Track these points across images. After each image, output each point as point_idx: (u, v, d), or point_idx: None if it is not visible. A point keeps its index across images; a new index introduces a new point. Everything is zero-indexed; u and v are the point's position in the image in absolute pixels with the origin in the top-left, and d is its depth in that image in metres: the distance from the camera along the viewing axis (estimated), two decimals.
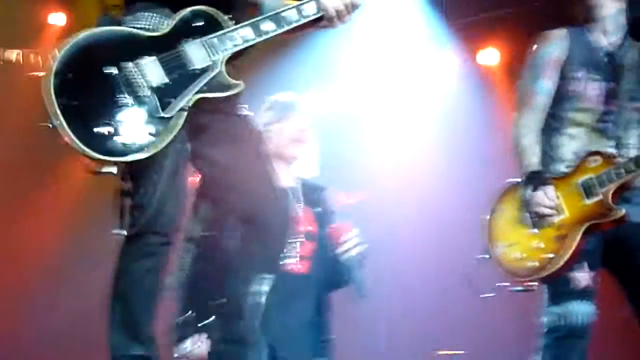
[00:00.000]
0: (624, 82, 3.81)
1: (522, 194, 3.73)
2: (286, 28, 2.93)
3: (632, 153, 3.74)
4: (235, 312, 3.10)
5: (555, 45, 3.82)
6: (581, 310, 3.62)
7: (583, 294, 3.64)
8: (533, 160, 3.71)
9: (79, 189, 6.67)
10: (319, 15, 2.95)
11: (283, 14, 2.92)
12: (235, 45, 2.86)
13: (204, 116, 2.90)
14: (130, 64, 2.75)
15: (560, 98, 3.80)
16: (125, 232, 2.84)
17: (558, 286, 3.65)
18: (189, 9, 2.85)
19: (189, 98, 2.77)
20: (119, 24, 2.86)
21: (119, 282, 2.90)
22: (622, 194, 3.68)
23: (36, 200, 7.46)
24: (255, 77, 3.51)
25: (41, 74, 2.73)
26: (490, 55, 7.70)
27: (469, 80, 7.64)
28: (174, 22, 2.84)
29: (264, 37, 2.90)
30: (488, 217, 3.88)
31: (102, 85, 2.74)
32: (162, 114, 2.73)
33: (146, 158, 2.75)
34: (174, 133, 2.74)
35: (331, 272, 3.98)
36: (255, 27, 2.89)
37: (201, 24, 2.87)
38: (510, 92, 7.34)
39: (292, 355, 3.80)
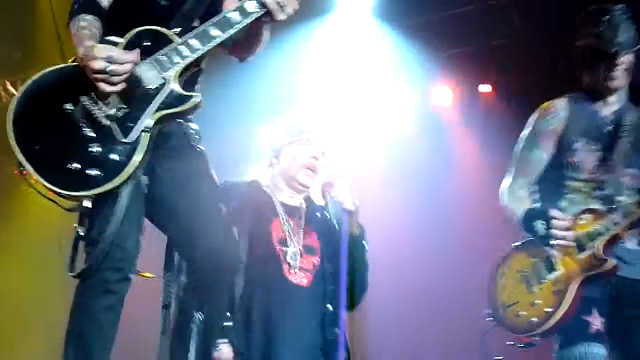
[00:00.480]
0: (621, 148, 3.91)
1: (530, 230, 3.78)
2: (233, 31, 2.93)
3: (621, 210, 3.84)
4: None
5: (554, 116, 3.91)
6: (594, 353, 3.67)
7: (595, 338, 3.68)
8: (525, 205, 3.81)
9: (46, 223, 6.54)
10: (262, 11, 2.95)
11: (228, 16, 2.93)
12: (185, 58, 2.88)
13: (159, 150, 2.89)
14: (85, 97, 2.77)
15: (561, 166, 3.88)
16: (73, 274, 2.79)
17: (571, 331, 3.70)
18: (133, 31, 2.87)
19: (149, 119, 2.78)
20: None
21: (75, 320, 2.84)
22: (613, 247, 3.76)
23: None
24: (213, 98, 3.50)
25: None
26: (444, 94, 7.85)
27: (424, 118, 7.73)
28: (121, 48, 2.87)
29: (213, 43, 2.90)
30: (490, 280, 3.95)
31: (62, 123, 2.76)
32: (125, 140, 2.74)
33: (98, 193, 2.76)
34: (142, 155, 2.75)
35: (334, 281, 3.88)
36: (202, 37, 2.91)
37: (148, 43, 2.88)
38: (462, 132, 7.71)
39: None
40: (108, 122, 2.75)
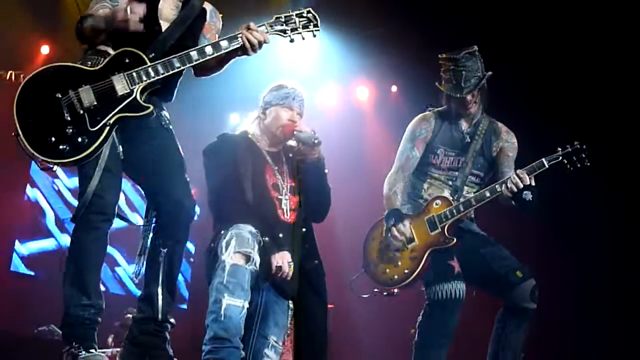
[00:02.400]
0: (471, 153, 4.32)
1: (385, 226, 4.21)
2: (190, 64, 3.26)
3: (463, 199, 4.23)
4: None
5: (424, 127, 4.35)
6: (457, 288, 4.08)
7: (457, 277, 4.11)
8: (396, 203, 4.23)
9: None
10: (233, 47, 3.29)
11: (190, 53, 3.26)
12: (149, 78, 3.20)
13: (133, 129, 3.25)
14: (71, 91, 3.14)
15: (427, 162, 4.34)
16: (70, 217, 3.20)
17: (440, 272, 4.12)
18: (119, 50, 3.23)
19: (110, 116, 3.14)
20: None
21: (71, 249, 3.21)
22: (457, 226, 4.22)
23: None
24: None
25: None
26: (362, 92, 8.60)
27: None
28: (106, 60, 3.23)
29: (173, 70, 3.23)
30: (364, 242, 4.39)
31: (51, 106, 3.13)
32: (90, 129, 3.12)
33: (84, 160, 3.12)
34: (99, 142, 3.12)
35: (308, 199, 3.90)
36: (166, 64, 3.23)
37: (127, 60, 3.22)
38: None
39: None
40: (82, 112, 3.13)
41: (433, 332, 4.07)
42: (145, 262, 3.37)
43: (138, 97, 3.19)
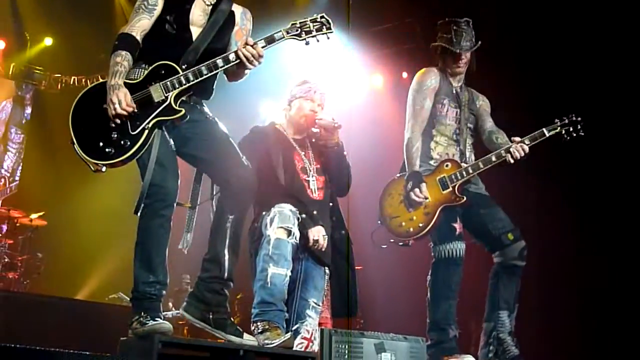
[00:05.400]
0: (464, 104, 4.46)
1: (405, 185, 4.24)
2: (218, 71, 3.35)
3: (470, 162, 4.32)
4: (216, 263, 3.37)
5: (433, 78, 4.41)
6: (457, 248, 4.21)
7: (458, 237, 4.24)
8: (417, 163, 4.25)
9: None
10: (236, 62, 3.33)
11: (216, 61, 3.33)
12: (181, 85, 3.29)
13: (183, 124, 3.34)
14: None
15: (434, 114, 4.38)
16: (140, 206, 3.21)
17: (444, 233, 4.22)
18: (155, 64, 3.31)
19: (148, 121, 3.24)
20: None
21: (139, 234, 3.27)
22: (465, 185, 4.28)
23: None
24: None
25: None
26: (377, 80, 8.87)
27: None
28: (145, 72, 3.32)
29: (202, 77, 3.31)
30: (380, 198, 4.42)
31: (99, 116, 3.23)
32: (132, 132, 3.22)
33: (140, 156, 3.22)
34: (140, 143, 3.21)
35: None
36: (195, 73, 3.31)
37: (162, 72, 3.31)
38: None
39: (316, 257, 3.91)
40: (124, 119, 3.22)
41: (440, 287, 4.19)
42: (211, 229, 3.42)
43: (172, 103, 3.27)
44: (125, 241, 3.82)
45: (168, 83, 3.26)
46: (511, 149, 4.16)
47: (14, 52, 9.73)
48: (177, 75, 3.27)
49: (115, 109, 3.14)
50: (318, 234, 3.81)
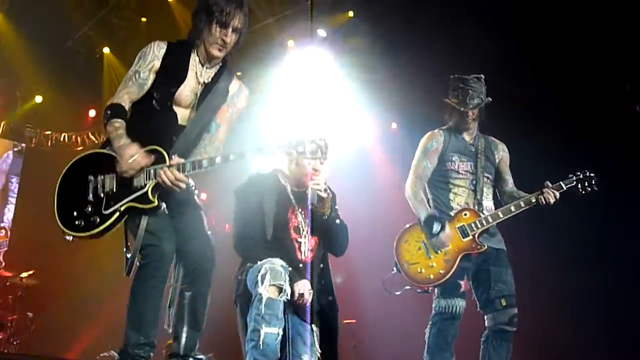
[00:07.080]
0: (479, 157, 4.45)
1: (428, 228, 4.17)
2: (199, 170, 3.20)
3: (487, 211, 4.33)
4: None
5: (435, 140, 4.46)
6: (458, 305, 4.19)
7: (462, 295, 4.21)
8: (428, 208, 4.27)
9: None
10: (223, 163, 3.17)
11: (200, 159, 3.22)
12: (162, 178, 3.16)
13: (172, 203, 3.32)
14: (100, 176, 3.26)
15: (445, 171, 4.40)
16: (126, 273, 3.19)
17: (449, 288, 4.20)
18: (148, 147, 3.21)
19: (122, 204, 3.19)
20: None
21: (132, 295, 3.22)
22: (484, 233, 4.25)
23: None
24: None
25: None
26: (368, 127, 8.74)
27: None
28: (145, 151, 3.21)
29: (185, 172, 3.18)
30: (395, 245, 4.34)
31: (82, 186, 3.25)
32: (103, 211, 3.20)
33: (94, 237, 3.21)
34: (107, 224, 3.17)
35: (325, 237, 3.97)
36: (180, 167, 3.20)
37: (152, 156, 3.22)
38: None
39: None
40: (102, 195, 3.22)
41: (437, 340, 4.16)
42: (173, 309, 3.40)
43: (149, 192, 3.18)
44: (117, 299, 3.75)
45: (152, 171, 3.19)
46: (544, 194, 4.19)
47: (7, 111, 9.87)
48: (160, 165, 3.18)
49: (129, 165, 3.15)
50: (304, 287, 3.72)
